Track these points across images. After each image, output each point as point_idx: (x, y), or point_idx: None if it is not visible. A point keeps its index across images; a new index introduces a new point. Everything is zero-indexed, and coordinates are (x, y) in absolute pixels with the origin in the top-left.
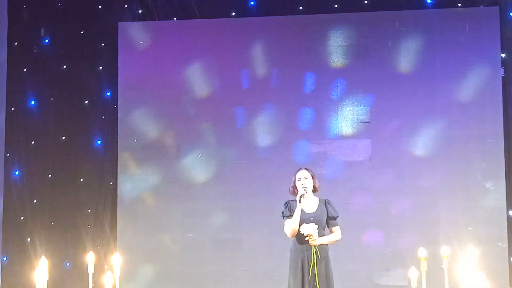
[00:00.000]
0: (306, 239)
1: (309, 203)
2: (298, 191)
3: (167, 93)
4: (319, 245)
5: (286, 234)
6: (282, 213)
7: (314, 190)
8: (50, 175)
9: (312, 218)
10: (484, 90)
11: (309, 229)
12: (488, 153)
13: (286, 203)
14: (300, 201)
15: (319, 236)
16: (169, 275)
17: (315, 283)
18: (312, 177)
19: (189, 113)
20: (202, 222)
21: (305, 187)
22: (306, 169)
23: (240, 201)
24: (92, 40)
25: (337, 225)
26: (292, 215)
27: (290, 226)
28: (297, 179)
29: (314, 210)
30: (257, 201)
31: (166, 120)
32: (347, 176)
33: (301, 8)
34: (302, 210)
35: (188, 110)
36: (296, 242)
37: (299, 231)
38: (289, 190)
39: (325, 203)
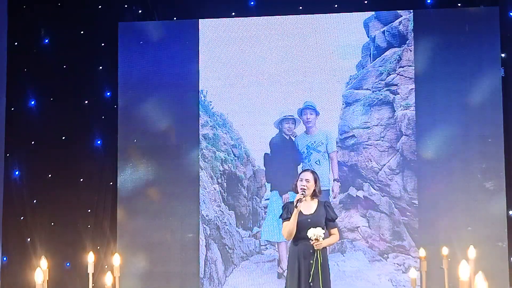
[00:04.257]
0: (312, 242)
1: (308, 205)
2: (298, 190)
3: (167, 93)
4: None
5: (283, 236)
6: (281, 215)
7: (315, 194)
8: (50, 175)
9: (309, 220)
10: (484, 90)
11: (316, 233)
12: (488, 153)
13: (284, 205)
14: (296, 206)
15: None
16: (169, 275)
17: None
18: (315, 181)
19: (189, 113)
20: (202, 222)
21: (304, 190)
22: (312, 171)
23: (241, 200)
24: (92, 40)
25: (335, 227)
26: (290, 218)
27: (288, 228)
28: (299, 179)
29: (312, 212)
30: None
31: (166, 120)
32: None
33: (301, 8)
34: (300, 211)
35: (188, 110)
36: (294, 244)
37: (296, 233)
38: (291, 186)
39: (325, 205)
